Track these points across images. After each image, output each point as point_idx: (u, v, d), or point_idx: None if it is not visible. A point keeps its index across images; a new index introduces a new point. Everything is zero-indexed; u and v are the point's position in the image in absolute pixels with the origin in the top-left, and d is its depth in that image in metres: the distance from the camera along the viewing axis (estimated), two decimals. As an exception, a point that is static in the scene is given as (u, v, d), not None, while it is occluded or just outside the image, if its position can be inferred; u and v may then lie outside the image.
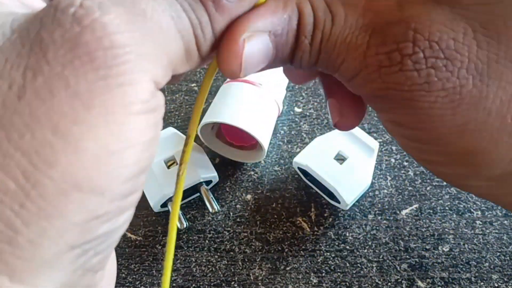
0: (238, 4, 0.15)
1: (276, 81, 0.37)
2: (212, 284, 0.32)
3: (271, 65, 0.18)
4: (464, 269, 0.31)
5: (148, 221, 0.34)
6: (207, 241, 0.33)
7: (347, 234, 0.33)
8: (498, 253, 0.31)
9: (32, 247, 0.12)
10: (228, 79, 0.37)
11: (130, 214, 0.14)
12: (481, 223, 0.33)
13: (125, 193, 0.13)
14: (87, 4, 0.13)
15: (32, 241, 0.12)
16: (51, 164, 0.12)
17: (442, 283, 0.30)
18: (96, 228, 0.13)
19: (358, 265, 0.32)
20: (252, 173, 0.36)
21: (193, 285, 0.32)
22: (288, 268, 0.32)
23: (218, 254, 0.33)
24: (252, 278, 0.32)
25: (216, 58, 0.16)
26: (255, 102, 0.34)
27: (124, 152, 0.13)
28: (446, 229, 0.32)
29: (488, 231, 0.32)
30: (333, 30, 0.16)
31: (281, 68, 0.38)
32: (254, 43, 0.16)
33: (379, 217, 0.33)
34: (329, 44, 0.17)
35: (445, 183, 0.34)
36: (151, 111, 0.13)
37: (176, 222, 0.19)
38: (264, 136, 0.33)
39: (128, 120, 0.13)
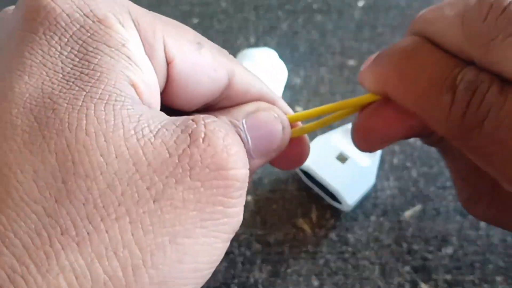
0: (260, 160, 0.18)
1: (273, 77, 0.36)
2: (211, 287, 0.31)
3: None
4: (467, 271, 0.31)
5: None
6: (206, 243, 0.33)
7: (349, 236, 0.32)
8: (502, 255, 0.31)
9: None
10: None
11: None
12: (485, 224, 0.32)
13: None
14: (233, 135, 0.15)
15: None
16: (157, 266, 0.13)
17: (446, 285, 0.30)
18: None
19: (360, 267, 0.31)
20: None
21: (192, 287, 0.31)
22: (288, 271, 0.31)
23: (218, 256, 0.32)
24: (252, 280, 0.31)
25: None
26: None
27: (204, 272, 0.14)
28: (450, 231, 0.32)
29: (492, 232, 0.32)
30: None
31: (279, 65, 0.38)
32: None
33: (382, 219, 0.33)
34: None
35: (448, 184, 0.34)
36: (230, 240, 0.15)
37: None
38: None
39: (221, 246, 0.15)
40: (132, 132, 0.13)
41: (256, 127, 0.18)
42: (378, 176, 0.34)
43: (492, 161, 0.16)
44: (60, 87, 0.13)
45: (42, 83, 0.13)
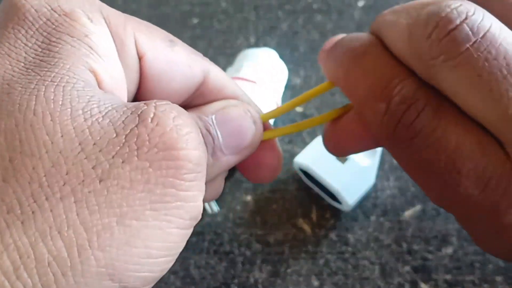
0: (232, 156, 0.18)
1: (273, 77, 0.36)
2: (211, 286, 0.31)
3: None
4: (467, 271, 0.30)
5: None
6: (206, 243, 0.33)
7: (349, 236, 0.32)
8: (502, 255, 0.31)
9: None
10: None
11: None
12: (485, 224, 0.32)
13: None
14: (186, 117, 0.14)
15: None
16: (104, 248, 0.12)
17: (446, 285, 0.30)
18: None
19: (360, 267, 0.31)
20: (252, 173, 0.35)
21: (192, 287, 0.31)
22: (288, 271, 0.31)
23: (218, 256, 0.32)
24: (252, 280, 0.31)
25: None
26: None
27: (159, 259, 0.14)
28: (450, 231, 0.32)
29: (492, 232, 0.32)
30: None
31: (279, 65, 0.38)
32: None
33: (382, 219, 0.33)
34: None
35: (448, 184, 0.34)
36: (190, 228, 0.14)
37: None
38: None
39: (177, 232, 0.14)
40: (80, 112, 0.13)
41: (225, 122, 0.18)
42: (378, 176, 0.34)
43: (416, 177, 0.16)
44: (19, 74, 0.14)
45: (4, 71, 0.14)
